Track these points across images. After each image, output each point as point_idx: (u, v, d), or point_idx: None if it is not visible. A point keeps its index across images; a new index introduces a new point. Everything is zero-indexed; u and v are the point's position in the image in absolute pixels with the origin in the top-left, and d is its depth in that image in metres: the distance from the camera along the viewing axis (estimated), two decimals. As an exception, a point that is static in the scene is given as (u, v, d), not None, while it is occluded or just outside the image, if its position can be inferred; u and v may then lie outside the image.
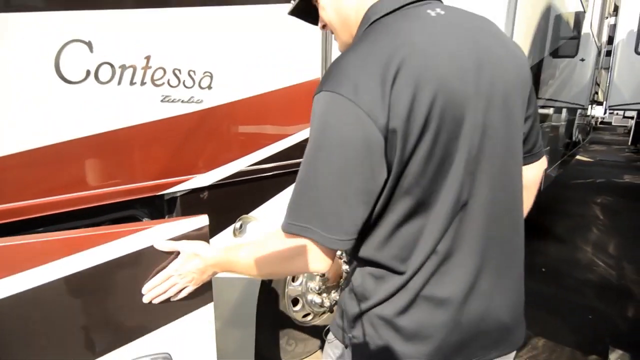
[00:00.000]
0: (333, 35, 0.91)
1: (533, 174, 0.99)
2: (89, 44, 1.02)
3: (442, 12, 0.74)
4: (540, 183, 1.06)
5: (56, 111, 1.00)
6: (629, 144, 13.77)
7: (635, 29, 4.70)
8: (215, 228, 1.47)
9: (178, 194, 1.34)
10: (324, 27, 0.90)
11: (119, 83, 1.10)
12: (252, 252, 0.82)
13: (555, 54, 3.72)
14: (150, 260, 0.93)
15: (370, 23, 0.76)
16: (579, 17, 4.04)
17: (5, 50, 0.90)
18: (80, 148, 1.06)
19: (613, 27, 6.06)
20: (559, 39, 3.72)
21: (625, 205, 6.23)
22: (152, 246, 0.93)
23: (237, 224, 1.63)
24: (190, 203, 1.38)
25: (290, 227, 0.73)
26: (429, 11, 0.74)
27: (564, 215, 5.62)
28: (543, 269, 3.76)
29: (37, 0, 0.96)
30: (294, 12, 0.93)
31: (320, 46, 1.76)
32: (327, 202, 0.70)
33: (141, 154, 1.21)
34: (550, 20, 3.30)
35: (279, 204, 1.74)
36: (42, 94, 0.97)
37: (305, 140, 1.80)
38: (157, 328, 0.99)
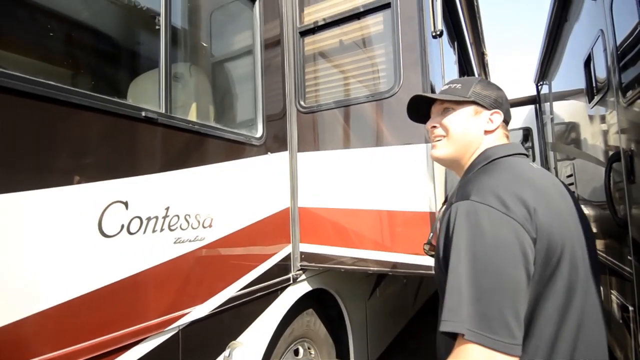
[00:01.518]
0: (431, 139, 1.10)
1: None
2: (126, 204, 1.25)
3: (536, 166, 0.98)
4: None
5: (94, 262, 1.14)
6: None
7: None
8: (210, 358, 1.53)
9: (181, 327, 1.43)
10: (434, 127, 1.09)
11: (144, 232, 1.30)
12: None
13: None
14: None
15: (494, 159, 0.97)
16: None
17: (59, 216, 1.09)
18: (107, 295, 1.17)
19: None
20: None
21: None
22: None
23: (227, 352, 1.68)
24: (190, 334, 1.46)
25: (476, 337, 0.71)
26: (530, 163, 0.97)
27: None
28: None
29: (91, 171, 1.20)
30: (412, 109, 1.16)
31: (289, 184, 2.18)
32: (498, 305, 0.72)
33: (156, 292, 1.34)
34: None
35: (261, 326, 1.85)
36: (85, 249, 1.13)
37: (285, 259, 2.05)
38: None
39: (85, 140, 1.17)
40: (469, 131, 1.03)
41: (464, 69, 3.92)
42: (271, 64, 2.21)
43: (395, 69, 2.03)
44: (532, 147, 6.32)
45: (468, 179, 0.94)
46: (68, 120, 1.12)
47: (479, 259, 0.75)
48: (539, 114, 6.23)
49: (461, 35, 3.47)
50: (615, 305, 2.60)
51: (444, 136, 1.06)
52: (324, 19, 2.30)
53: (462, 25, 3.38)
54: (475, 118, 1.04)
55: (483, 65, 4.80)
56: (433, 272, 1.84)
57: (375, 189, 2.01)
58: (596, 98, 2.91)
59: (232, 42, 2.43)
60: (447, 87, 1.09)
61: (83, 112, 1.16)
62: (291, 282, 2.07)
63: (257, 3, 2.12)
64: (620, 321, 2.43)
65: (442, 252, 0.86)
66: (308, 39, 2.41)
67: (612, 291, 2.68)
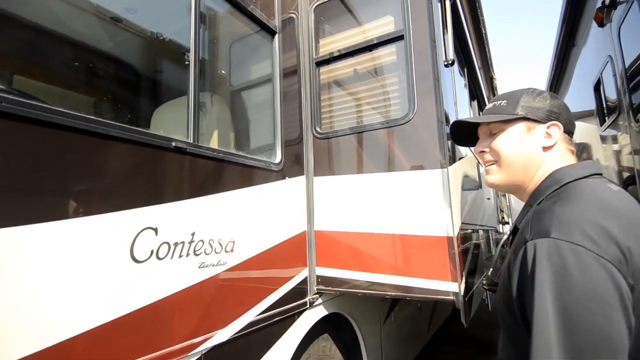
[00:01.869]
0: (481, 165, 1.03)
1: None
2: (156, 230, 1.30)
3: (616, 188, 0.80)
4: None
5: (125, 287, 1.19)
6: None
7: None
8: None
9: (203, 352, 1.45)
10: (481, 152, 0.99)
11: (172, 257, 1.35)
12: None
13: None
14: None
15: (566, 183, 0.83)
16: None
17: (94, 244, 1.14)
18: (135, 319, 1.21)
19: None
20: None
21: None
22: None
23: (246, 378, 1.68)
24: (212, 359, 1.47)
25: None
26: (609, 185, 0.81)
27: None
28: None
29: (126, 199, 1.26)
30: (456, 133, 1.09)
31: (305, 208, 2.23)
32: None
33: (181, 317, 1.37)
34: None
35: (279, 351, 1.85)
36: (117, 275, 1.18)
37: (302, 283, 2.07)
38: None
39: (119, 170, 1.24)
40: (523, 151, 0.91)
41: (474, 92, 3.99)
42: (289, 92, 2.31)
43: (409, 97, 2.10)
44: None
45: (541, 209, 0.80)
46: (105, 152, 1.20)
47: (570, 314, 0.63)
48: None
49: (470, 60, 3.56)
50: None
51: (496, 161, 0.96)
52: (339, 50, 2.41)
53: (470, 51, 3.47)
54: (528, 136, 0.92)
55: (492, 89, 4.88)
56: (451, 297, 1.84)
57: (391, 213, 2.04)
58: (608, 121, 2.93)
59: (251, 71, 2.55)
60: (491, 105, 1.00)
61: (120, 144, 1.24)
62: (308, 306, 2.08)
63: (276, 36, 2.24)
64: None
65: (517, 297, 0.75)
66: (323, 69, 2.52)
67: None
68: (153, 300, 1.27)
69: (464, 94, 3.41)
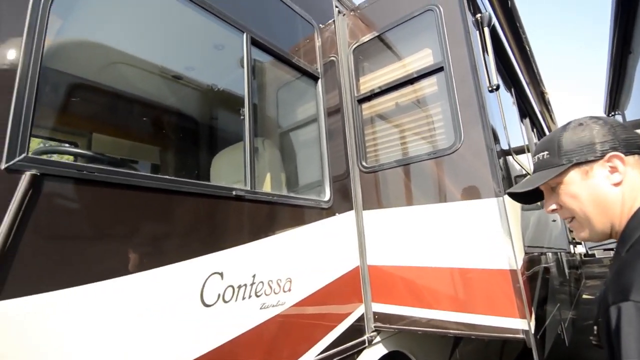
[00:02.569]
0: (568, 225, 0.91)
1: None
2: (222, 274, 1.41)
3: None
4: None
5: (197, 331, 1.29)
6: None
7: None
8: None
9: (268, 394, 1.48)
10: (553, 210, 0.90)
11: (236, 300, 1.43)
12: None
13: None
14: None
15: None
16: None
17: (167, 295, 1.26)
18: (206, 360, 1.29)
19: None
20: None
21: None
22: None
23: (309, 420, 1.67)
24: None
25: None
26: None
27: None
28: None
29: (195, 247, 1.39)
30: (518, 196, 0.99)
31: (357, 243, 2.25)
32: None
33: (246, 358, 1.43)
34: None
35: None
36: (189, 319, 1.28)
37: (359, 320, 2.05)
38: None
39: (187, 221, 1.38)
40: (593, 199, 0.81)
41: (524, 110, 3.83)
42: (333, 130, 2.41)
43: (454, 126, 2.09)
44: None
45: (625, 261, 0.71)
46: (177, 207, 1.35)
47: None
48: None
49: (516, 79, 3.45)
50: None
51: (572, 217, 0.87)
52: (379, 87, 2.48)
53: (516, 70, 3.37)
54: (589, 181, 0.82)
55: (545, 104, 4.64)
56: (520, 335, 1.70)
57: (446, 246, 1.98)
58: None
59: (298, 114, 2.71)
60: (535, 159, 0.93)
61: (188, 198, 1.38)
62: (366, 344, 2.04)
63: (319, 81, 2.38)
64: None
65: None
66: (365, 105, 2.60)
67: None
68: (222, 343, 1.35)
69: (513, 113, 3.29)
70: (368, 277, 2.25)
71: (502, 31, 3.20)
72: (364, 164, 2.47)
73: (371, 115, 2.60)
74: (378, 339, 2.16)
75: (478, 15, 2.24)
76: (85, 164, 1.13)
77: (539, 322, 1.92)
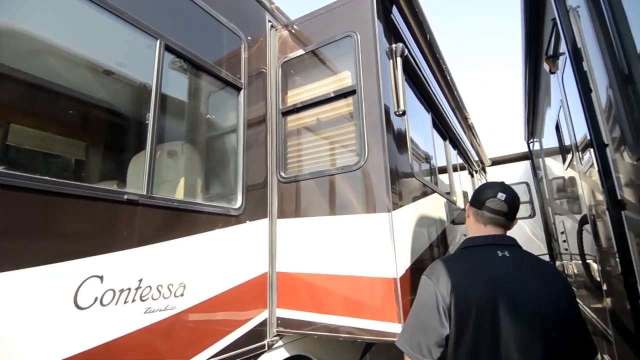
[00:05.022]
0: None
1: None
2: (101, 277, 1.41)
3: (508, 255, 1.34)
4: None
5: (65, 333, 1.28)
6: None
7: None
8: None
9: (145, 397, 1.50)
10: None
11: (116, 303, 1.45)
12: None
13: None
14: None
15: (465, 247, 1.47)
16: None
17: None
18: (74, 363, 1.29)
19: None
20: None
21: None
22: None
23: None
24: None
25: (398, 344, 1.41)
26: (498, 252, 1.35)
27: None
28: None
29: (64, 253, 1.38)
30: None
31: (267, 250, 2.33)
32: (414, 333, 1.35)
33: (122, 361, 1.44)
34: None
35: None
36: (58, 321, 1.28)
37: (261, 325, 2.12)
38: None
39: (67, 223, 1.38)
40: (468, 228, 1.64)
41: (444, 133, 4.18)
42: (254, 140, 2.49)
43: (361, 145, 2.26)
44: (532, 202, 6.34)
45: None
46: (54, 209, 1.34)
47: (415, 307, 1.44)
48: (533, 170, 6.36)
49: (435, 105, 3.75)
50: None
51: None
52: (302, 102, 2.61)
53: (434, 96, 3.66)
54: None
55: (469, 128, 5.08)
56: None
57: (344, 255, 2.13)
58: (566, 162, 3.06)
59: (220, 121, 2.76)
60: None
61: (67, 200, 1.38)
62: (266, 348, 2.12)
63: (242, 92, 2.46)
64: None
65: None
66: (289, 117, 2.72)
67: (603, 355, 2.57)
68: (94, 345, 1.35)
69: (430, 136, 3.59)
70: (276, 284, 2.33)
71: (426, 60, 3.50)
72: (282, 174, 2.57)
73: (294, 128, 2.72)
74: (280, 343, 2.24)
75: (393, 46, 2.45)
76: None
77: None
